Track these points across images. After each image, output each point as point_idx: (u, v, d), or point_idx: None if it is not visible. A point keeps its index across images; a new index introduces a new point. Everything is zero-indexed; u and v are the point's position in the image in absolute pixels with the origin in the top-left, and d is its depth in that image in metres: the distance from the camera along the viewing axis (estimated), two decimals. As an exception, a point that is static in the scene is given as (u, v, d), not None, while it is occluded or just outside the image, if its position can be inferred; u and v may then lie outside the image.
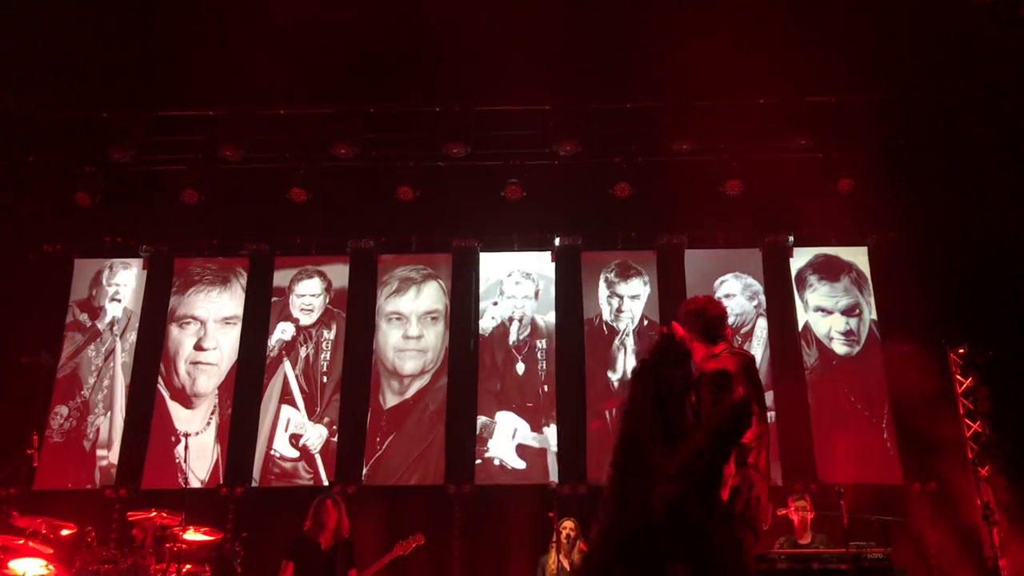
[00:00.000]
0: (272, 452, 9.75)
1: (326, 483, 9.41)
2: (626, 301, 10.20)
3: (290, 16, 8.50)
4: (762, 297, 10.13)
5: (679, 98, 9.38)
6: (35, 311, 9.99)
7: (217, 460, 9.69)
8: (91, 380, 10.02)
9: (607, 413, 9.72)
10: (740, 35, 8.36)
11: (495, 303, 10.24)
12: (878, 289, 10.04)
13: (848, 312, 10.08)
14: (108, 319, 10.27)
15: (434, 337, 10.14)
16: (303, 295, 10.35)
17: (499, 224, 10.28)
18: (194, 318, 10.27)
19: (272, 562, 7.21)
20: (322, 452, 9.71)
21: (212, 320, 10.27)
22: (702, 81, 8.94)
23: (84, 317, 10.28)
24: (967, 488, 8.98)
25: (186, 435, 9.77)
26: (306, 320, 10.25)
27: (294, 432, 9.81)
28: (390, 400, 9.91)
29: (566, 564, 7.57)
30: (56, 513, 7.48)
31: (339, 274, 10.39)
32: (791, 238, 10.20)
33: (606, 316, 10.16)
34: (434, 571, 8.89)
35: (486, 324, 10.16)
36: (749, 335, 9.98)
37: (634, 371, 3.84)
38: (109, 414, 9.90)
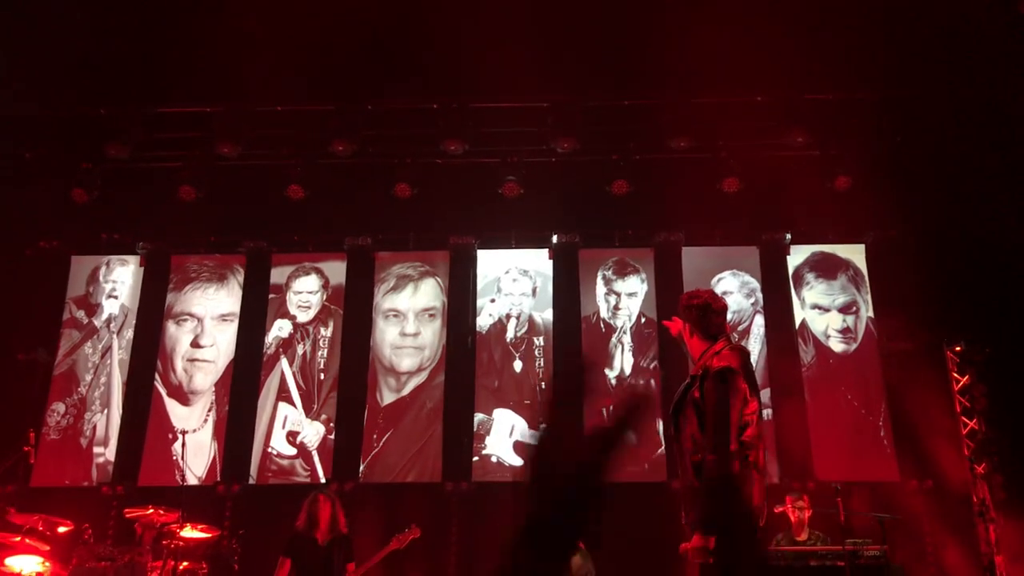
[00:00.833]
0: (269, 449, 9.74)
1: (323, 480, 9.42)
2: (623, 299, 10.20)
3: (287, 13, 8.50)
4: (759, 295, 10.14)
5: (677, 95, 9.39)
6: (32, 308, 9.98)
7: (214, 457, 9.69)
8: (88, 377, 10.01)
9: (604, 411, 9.69)
10: (738, 32, 8.35)
11: (492, 300, 10.24)
12: (875, 287, 10.05)
13: (845, 310, 10.08)
14: (105, 316, 10.25)
15: (431, 334, 10.14)
16: (300, 292, 10.34)
17: (497, 221, 10.27)
18: (191, 315, 10.26)
19: (269, 559, 7.20)
20: (319, 449, 9.71)
21: (209, 317, 10.25)
22: (700, 78, 8.94)
23: (81, 314, 10.26)
24: (964, 485, 8.99)
25: (183, 432, 9.76)
26: (303, 317, 10.24)
27: (291, 429, 9.80)
28: (387, 397, 9.91)
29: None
30: (53, 510, 7.45)
31: (336, 271, 10.38)
32: (788, 235, 10.21)
33: (603, 314, 10.16)
34: (431, 568, 8.89)
35: (483, 321, 10.15)
36: (746, 332, 9.98)
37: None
38: (106, 411, 9.88)
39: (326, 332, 10.17)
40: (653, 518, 8.65)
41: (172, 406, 9.91)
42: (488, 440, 9.69)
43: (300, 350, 10.10)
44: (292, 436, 9.78)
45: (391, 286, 10.32)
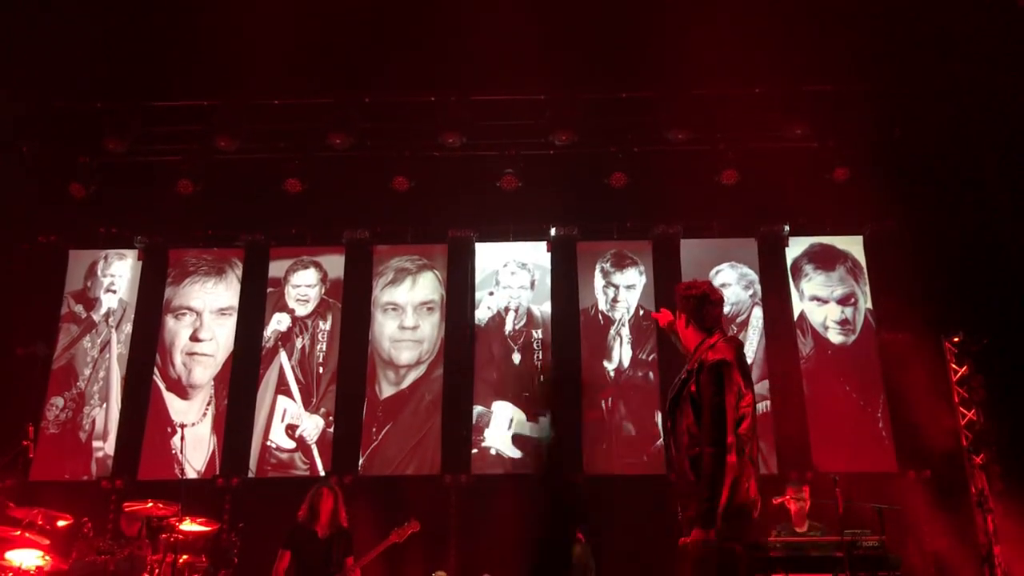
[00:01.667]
0: (268, 443, 9.75)
1: (322, 473, 9.45)
2: (622, 291, 10.21)
3: (285, 6, 8.48)
4: (758, 287, 10.15)
5: (675, 88, 9.37)
6: (30, 302, 9.96)
7: (213, 451, 9.70)
8: (87, 371, 10.01)
9: (603, 403, 9.74)
10: (736, 24, 8.34)
11: (491, 293, 10.24)
12: (873, 278, 10.06)
13: (843, 301, 10.09)
14: (103, 310, 10.25)
15: (430, 327, 10.14)
16: (299, 286, 10.34)
17: (495, 214, 10.27)
18: (190, 309, 10.26)
19: (269, 552, 7.20)
20: (318, 442, 9.72)
21: (208, 311, 10.25)
22: (698, 71, 8.91)
23: (79, 308, 10.26)
24: (962, 476, 9.01)
25: (182, 426, 9.77)
26: (302, 311, 10.25)
27: (290, 423, 9.81)
28: (386, 390, 9.91)
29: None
30: (52, 504, 7.44)
31: (335, 265, 10.38)
32: (787, 227, 10.22)
33: (602, 306, 10.16)
34: (430, 560, 8.89)
35: (482, 314, 10.16)
36: (745, 324, 9.99)
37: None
38: (105, 405, 9.89)
39: (325, 325, 10.17)
40: (652, 510, 8.67)
41: (171, 400, 9.92)
42: (487, 433, 9.70)
43: (299, 343, 10.11)
44: (291, 429, 9.79)
45: (389, 279, 10.32)
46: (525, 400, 9.80)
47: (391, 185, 9.84)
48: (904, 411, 9.32)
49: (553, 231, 10.31)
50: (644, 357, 9.90)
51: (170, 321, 10.21)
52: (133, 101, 9.57)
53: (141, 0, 8.77)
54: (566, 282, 10.14)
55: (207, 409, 9.87)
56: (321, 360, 10.03)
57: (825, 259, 10.26)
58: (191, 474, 9.50)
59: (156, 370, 10.00)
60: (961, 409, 9.21)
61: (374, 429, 9.75)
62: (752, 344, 9.83)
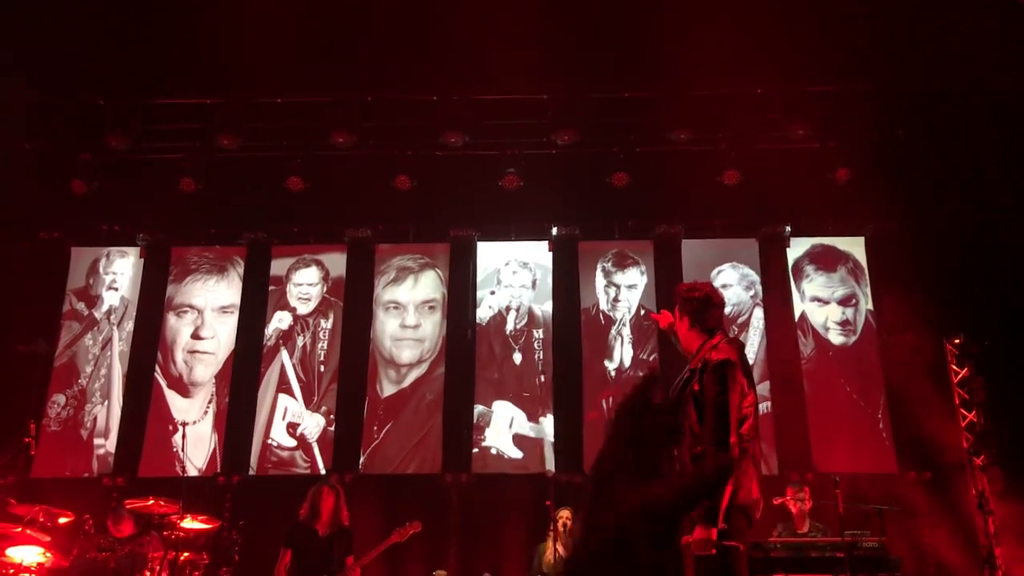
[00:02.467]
0: (269, 441, 9.76)
1: (323, 472, 9.45)
2: (623, 291, 10.21)
3: (288, 4, 8.48)
4: (759, 287, 10.15)
5: (677, 88, 9.36)
6: (32, 300, 9.96)
7: (214, 449, 9.71)
8: (88, 369, 10.02)
9: (604, 403, 9.74)
10: (738, 24, 8.34)
11: (492, 292, 10.25)
12: (875, 279, 10.06)
13: (844, 302, 10.09)
14: (105, 308, 10.26)
15: (431, 326, 10.15)
16: (300, 284, 10.35)
17: (497, 213, 10.27)
18: (191, 307, 10.27)
19: (270, 550, 7.21)
20: (319, 441, 9.72)
21: (209, 309, 10.26)
22: (700, 70, 8.91)
23: (81, 306, 10.27)
24: (962, 477, 9.02)
25: (183, 424, 9.77)
26: (303, 309, 10.25)
27: (291, 421, 9.82)
28: (387, 389, 9.92)
29: (563, 553, 7.58)
30: (54, 501, 7.47)
31: (336, 263, 10.39)
32: (788, 228, 10.22)
33: (603, 306, 10.17)
34: (431, 559, 8.89)
35: (483, 313, 10.16)
36: (746, 325, 10.00)
37: (615, 413, 3.82)
38: (106, 403, 9.90)
39: (326, 324, 10.18)
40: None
41: (172, 398, 9.92)
42: (488, 432, 9.71)
43: (300, 342, 10.11)
44: (292, 428, 9.80)
45: (391, 278, 10.33)
46: (526, 400, 9.81)
47: (393, 184, 9.85)
48: (905, 412, 9.31)
49: (555, 230, 10.31)
50: (645, 357, 9.91)
51: (172, 319, 10.22)
52: (135, 98, 9.56)
53: (144, -3, 8.79)
54: (567, 281, 10.15)
55: (208, 407, 9.88)
56: (322, 358, 10.04)
57: (826, 260, 10.26)
58: (192, 472, 9.51)
59: (157, 368, 10.00)
60: (962, 411, 9.21)
61: (375, 428, 9.76)
62: (753, 345, 9.83)
